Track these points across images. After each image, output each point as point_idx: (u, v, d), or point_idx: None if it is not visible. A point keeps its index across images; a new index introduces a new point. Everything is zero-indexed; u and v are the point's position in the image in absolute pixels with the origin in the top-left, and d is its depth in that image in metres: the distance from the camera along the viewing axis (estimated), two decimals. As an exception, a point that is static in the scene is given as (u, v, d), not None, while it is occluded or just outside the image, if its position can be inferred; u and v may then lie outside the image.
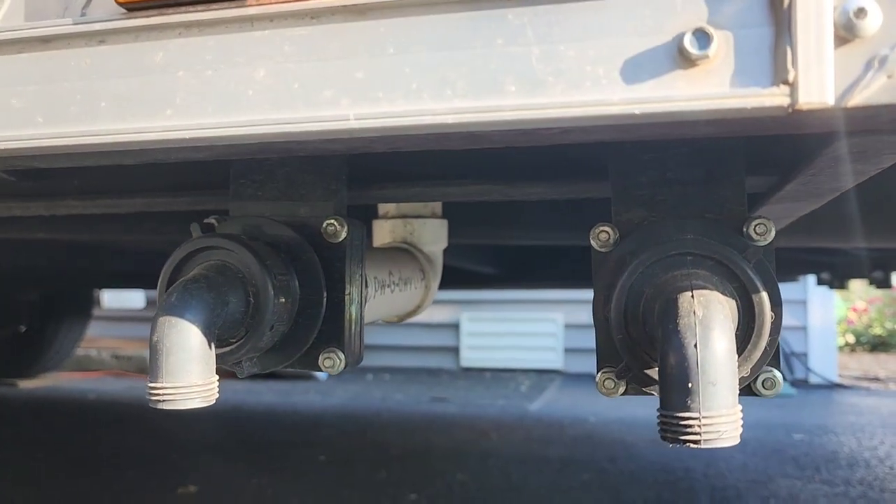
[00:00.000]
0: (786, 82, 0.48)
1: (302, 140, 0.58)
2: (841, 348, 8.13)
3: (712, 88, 0.50)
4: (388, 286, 1.08)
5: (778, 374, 0.74)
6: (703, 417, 0.57)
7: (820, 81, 0.48)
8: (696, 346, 0.58)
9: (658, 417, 0.60)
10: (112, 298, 5.95)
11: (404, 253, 1.24)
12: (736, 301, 0.68)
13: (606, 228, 0.78)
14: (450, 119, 0.53)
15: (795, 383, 5.74)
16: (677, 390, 0.58)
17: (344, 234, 0.86)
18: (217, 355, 0.75)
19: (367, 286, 0.99)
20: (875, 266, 3.15)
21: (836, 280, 3.42)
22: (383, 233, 1.34)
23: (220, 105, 0.59)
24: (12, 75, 0.64)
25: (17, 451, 3.17)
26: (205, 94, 0.59)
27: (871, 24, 0.47)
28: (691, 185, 0.77)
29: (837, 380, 5.95)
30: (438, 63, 0.54)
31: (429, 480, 2.71)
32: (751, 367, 0.69)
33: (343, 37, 0.57)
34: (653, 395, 0.72)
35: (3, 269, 3.01)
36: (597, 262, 0.78)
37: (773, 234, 0.74)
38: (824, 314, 6.12)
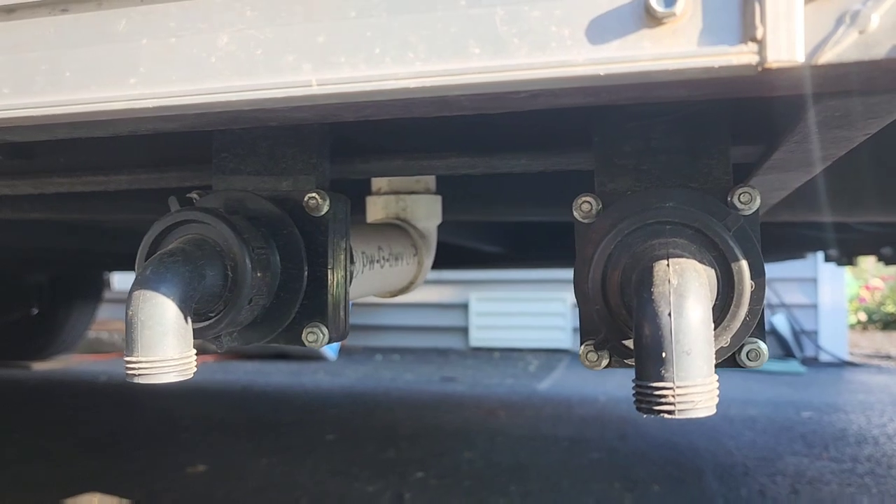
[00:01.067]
0: (754, 39, 0.47)
1: (268, 108, 0.57)
2: (853, 326, 8.08)
3: (679, 47, 0.48)
4: (378, 261, 1.08)
5: (762, 345, 0.73)
6: (678, 387, 0.56)
7: (789, 38, 0.46)
8: (669, 314, 0.57)
9: (633, 388, 0.59)
10: (122, 281, 5.98)
11: (395, 228, 1.23)
12: (715, 270, 0.66)
13: (589, 199, 0.77)
14: (413, 83, 0.52)
15: (805, 361, 5.72)
16: (651, 360, 0.57)
17: (326, 208, 0.85)
18: (195, 329, 0.74)
19: (353, 261, 0.98)
20: (883, 242, 3.11)
21: (845, 257, 3.38)
22: (376, 209, 1.33)
23: (184, 73, 0.58)
24: (-23, 46, 0.63)
25: (31, 432, 3.20)
26: (168, 61, 0.58)
27: (842, -23, 0.46)
28: (675, 154, 0.76)
29: (848, 358, 5.92)
30: (400, 26, 0.53)
31: (436, 459, 2.72)
32: (731, 336, 0.68)
33: (304, 1, 0.55)
34: (633, 366, 0.71)
35: (13, 252, 3.02)
36: (579, 234, 0.77)
37: (757, 202, 0.73)
38: (835, 292, 6.08)
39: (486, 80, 0.51)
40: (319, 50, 0.55)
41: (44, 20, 0.61)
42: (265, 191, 0.87)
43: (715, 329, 0.64)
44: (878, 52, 0.45)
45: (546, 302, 6.37)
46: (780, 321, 5.84)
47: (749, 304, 0.66)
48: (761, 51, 0.47)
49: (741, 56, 0.47)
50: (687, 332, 0.56)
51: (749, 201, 0.73)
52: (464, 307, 6.52)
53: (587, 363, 0.76)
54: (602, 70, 0.49)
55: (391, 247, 1.13)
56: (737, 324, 0.67)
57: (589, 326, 0.75)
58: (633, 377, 0.60)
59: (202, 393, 4.14)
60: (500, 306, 6.48)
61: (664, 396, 0.56)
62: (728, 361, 0.72)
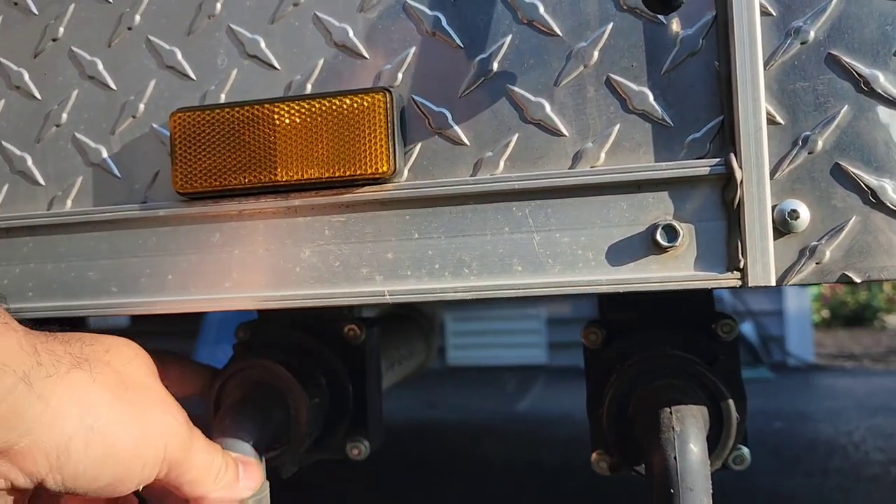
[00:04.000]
0: (738, 268, 0.61)
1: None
2: (817, 325, 8.37)
3: (679, 272, 0.62)
4: (398, 361, 1.20)
5: (745, 450, 0.87)
6: (684, 517, 0.70)
7: (764, 267, 0.60)
8: (675, 458, 0.71)
9: (648, 516, 0.73)
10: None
11: (407, 322, 1.36)
12: (707, 405, 0.80)
13: (594, 330, 0.90)
14: (468, 295, 0.65)
15: (774, 367, 5.93)
16: (662, 495, 0.71)
17: (363, 337, 0.98)
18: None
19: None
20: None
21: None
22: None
23: (271, 280, 0.70)
24: (86, 251, 0.75)
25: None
26: (258, 269, 0.70)
27: (802, 221, 0.60)
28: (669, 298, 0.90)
29: (814, 360, 6.14)
30: (456, 247, 0.66)
31: (424, 494, 2.80)
32: (722, 461, 0.82)
33: (374, 223, 0.68)
34: (642, 476, 0.84)
35: None
36: (588, 359, 0.90)
37: (736, 331, 0.87)
38: (799, 297, 6.31)
39: (527, 294, 0.64)
40: (389, 264, 0.67)
41: (146, 231, 0.73)
42: (309, 323, 0.99)
43: (709, 455, 0.78)
44: (831, 278, 0.60)
45: (521, 319, 6.51)
46: (747, 329, 6.05)
47: (735, 434, 0.81)
48: (743, 277, 0.61)
49: (728, 281, 0.61)
50: (690, 473, 0.70)
51: (729, 331, 0.87)
52: (440, 327, 6.63)
53: (598, 470, 0.90)
54: (622, 288, 0.62)
55: (407, 344, 1.26)
56: (727, 451, 0.81)
57: (599, 439, 0.89)
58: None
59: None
60: (476, 325, 6.60)
61: (674, 525, 0.70)
62: (718, 470, 0.86)
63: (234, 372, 0.90)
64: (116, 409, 0.59)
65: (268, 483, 0.84)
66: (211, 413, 0.89)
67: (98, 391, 0.58)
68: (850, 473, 3.00)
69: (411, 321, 1.38)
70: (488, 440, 3.71)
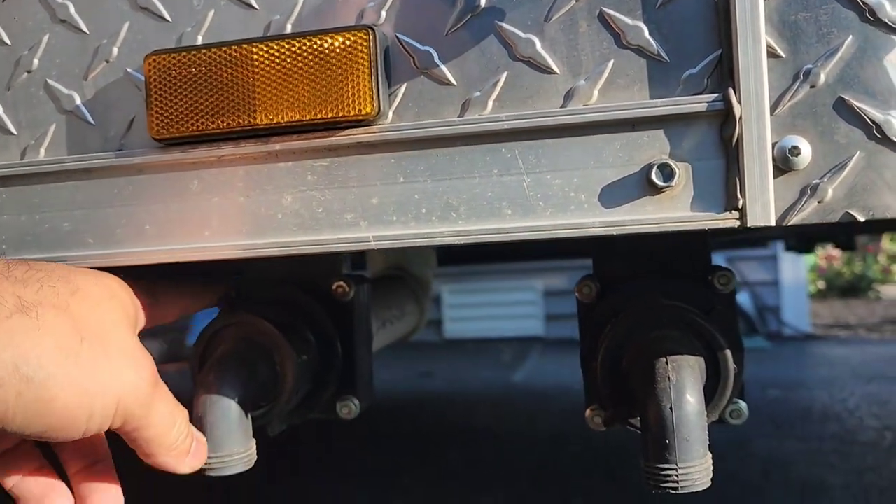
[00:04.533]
0: (736, 208, 0.58)
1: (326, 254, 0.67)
2: (813, 296, 8.39)
3: (676, 213, 0.59)
4: (389, 321, 1.18)
5: (743, 403, 0.85)
6: (680, 468, 0.68)
7: (764, 206, 0.58)
8: (671, 408, 0.69)
9: (642, 468, 0.71)
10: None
11: (398, 282, 1.34)
12: (704, 356, 0.78)
13: (588, 283, 0.88)
14: (456, 240, 0.63)
15: (769, 336, 5.95)
16: (657, 446, 0.69)
17: (352, 294, 0.95)
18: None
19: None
20: (839, 230, 3.29)
21: (804, 245, 3.57)
22: (375, 260, 1.43)
23: (252, 228, 0.67)
24: (60, 202, 0.72)
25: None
26: (238, 217, 0.68)
27: (804, 158, 0.57)
28: (664, 249, 0.87)
29: (810, 330, 6.17)
30: (443, 191, 0.64)
31: (421, 462, 2.82)
32: (719, 413, 0.80)
33: (358, 167, 0.66)
34: (637, 431, 0.83)
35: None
36: (582, 313, 0.88)
37: (733, 283, 0.85)
38: (795, 268, 6.32)
39: (517, 238, 0.61)
40: (374, 210, 0.65)
41: (122, 179, 0.70)
42: (295, 278, 0.96)
43: (706, 407, 0.76)
44: (834, 216, 0.57)
45: (517, 291, 6.51)
46: (743, 299, 6.06)
47: (733, 386, 0.79)
48: (742, 217, 0.58)
49: (726, 221, 0.58)
50: (686, 423, 0.68)
51: (727, 283, 0.85)
52: (436, 299, 6.63)
53: (593, 425, 0.88)
54: (615, 231, 0.60)
55: (399, 304, 1.24)
56: (724, 402, 0.79)
57: (594, 394, 0.87)
58: (641, 458, 0.72)
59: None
60: (473, 297, 6.60)
61: (669, 476, 0.68)
62: (714, 423, 0.85)
63: (220, 327, 0.87)
64: (60, 361, 0.56)
65: (254, 441, 0.82)
66: (196, 369, 0.86)
67: (40, 340, 0.55)
68: (845, 439, 3.01)
69: (402, 282, 1.36)
70: (485, 410, 3.72)
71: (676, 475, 0.68)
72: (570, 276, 6.16)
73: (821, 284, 8.92)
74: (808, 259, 8.15)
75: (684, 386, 0.70)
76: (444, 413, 3.73)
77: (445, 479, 2.57)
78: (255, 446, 0.81)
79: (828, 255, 9.04)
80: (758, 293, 6.21)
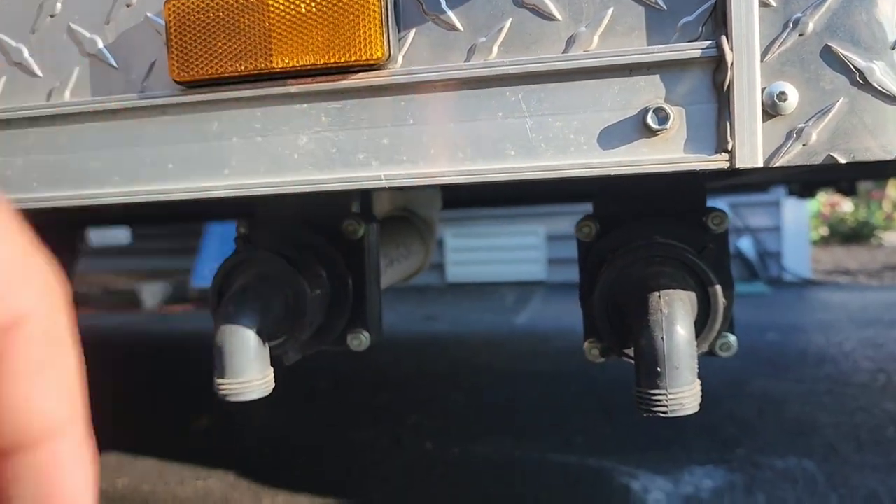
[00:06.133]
0: (726, 150, 0.62)
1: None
2: (815, 242, 8.43)
3: (670, 154, 0.63)
4: (396, 260, 1.23)
5: (732, 337, 0.90)
6: (670, 394, 0.73)
7: (752, 149, 0.61)
8: (662, 338, 0.73)
9: (634, 393, 0.76)
10: (98, 236, 6.03)
11: (404, 223, 1.38)
12: (695, 292, 0.83)
13: (589, 223, 0.92)
14: (462, 179, 0.67)
15: (770, 281, 6.01)
16: (649, 373, 0.74)
17: (361, 232, 1.00)
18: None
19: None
20: (841, 175, 3.31)
21: (806, 190, 3.60)
22: (382, 201, 1.47)
23: (269, 166, 0.71)
24: (88, 142, 0.76)
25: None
26: (256, 157, 0.72)
27: (790, 104, 0.61)
28: (661, 189, 0.91)
29: (810, 276, 6.22)
30: (450, 132, 0.67)
31: (428, 402, 2.90)
32: (708, 344, 0.85)
33: (370, 109, 0.69)
34: (632, 361, 0.88)
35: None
36: (581, 252, 0.93)
37: (727, 223, 0.89)
38: (798, 214, 6.34)
39: (520, 178, 0.65)
40: (385, 150, 0.69)
41: (146, 120, 0.74)
42: (306, 217, 1.01)
43: (696, 339, 0.81)
44: (817, 159, 0.61)
45: (520, 235, 6.55)
46: (745, 244, 6.10)
47: (723, 318, 0.83)
48: (731, 158, 0.62)
49: (717, 162, 0.62)
50: (676, 352, 0.73)
51: (720, 223, 0.89)
52: (439, 243, 6.68)
53: (590, 357, 0.93)
54: (612, 171, 0.64)
55: (405, 243, 1.28)
56: (713, 334, 0.84)
57: (592, 328, 0.92)
58: (634, 383, 0.77)
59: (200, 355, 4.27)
60: (475, 241, 6.64)
61: (659, 401, 0.74)
62: (705, 354, 0.90)
63: (235, 263, 0.92)
64: None
65: (271, 369, 0.87)
66: (214, 302, 0.91)
67: None
68: (838, 380, 3.08)
69: (409, 222, 1.40)
70: (487, 351, 3.80)
71: (666, 400, 0.74)
72: (572, 220, 6.09)
73: (823, 231, 8.94)
74: (812, 205, 8.16)
75: (675, 318, 0.74)
76: (447, 355, 3.80)
77: (450, 418, 2.65)
78: (272, 374, 0.87)
79: (831, 201, 9.04)
80: (759, 238, 6.24)
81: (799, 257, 6.30)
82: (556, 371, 3.27)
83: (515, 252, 6.57)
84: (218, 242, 5.79)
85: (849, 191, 3.51)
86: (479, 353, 3.79)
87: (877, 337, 3.86)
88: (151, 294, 5.82)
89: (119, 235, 6.11)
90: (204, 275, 5.71)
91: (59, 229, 4.60)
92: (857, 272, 6.65)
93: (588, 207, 0.97)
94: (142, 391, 3.25)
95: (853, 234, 8.86)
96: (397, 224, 1.37)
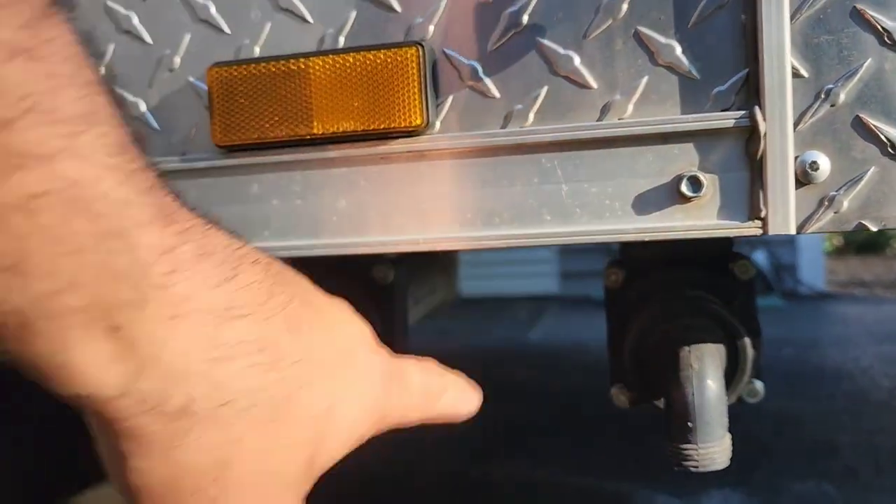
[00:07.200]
0: (759, 217, 0.63)
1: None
2: (829, 253, 8.40)
3: (703, 221, 0.65)
4: (421, 298, 1.25)
5: (759, 384, 0.91)
6: (701, 448, 0.75)
7: (784, 216, 0.63)
8: (693, 394, 0.75)
9: (666, 447, 0.78)
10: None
11: (429, 259, 1.40)
12: (724, 343, 0.84)
13: (616, 270, 0.94)
14: (499, 244, 0.68)
15: (785, 294, 5.99)
16: (680, 428, 0.75)
17: (392, 277, 1.01)
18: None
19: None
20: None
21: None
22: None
23: (308, 229, 0.73)
24: (131, 201, 0.78)
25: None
26: (296, 218, 0.74)
27: (822, 172, 0.62)
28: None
29: (825, 288, 6.19)
30: (487, 197, 0.69)
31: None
32: (736, 395, 0.87)
33: (408, 174, 0.71)
34: (660, 410, 0.89)
35: None
36: (608, 298, 0.94)
37: (752, 272, 0.90)
38: (811, 226, 6.30)
39: (556, 242, 0.67)
40: (423, 215, 0.70)
41: (186, 182, 0.76)
42: (338, 263, 1.02)
43: (726, 390, 0.82)
44: (848, 226, 0.62)
45: (533, 249, 6.53)
46: (759, 257, 6.08)
47: (751, 370, 0.85)
48: (764, 225, 0.63)
49: (749, 229, 0.64)
50: (707, 407, 0.75)
51: (745, 271, 0.90)
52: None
53: (618, 404, 0.94)
54: (647, 237, 0.65)
55: (430, 280, 1.30)
56: (742, 385, 0.85)
57: (619, 373, 0.93)
58: (665, 437, 0.78)
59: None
60: (489, 255, 6.64)
61: (690, 456, 0.75)
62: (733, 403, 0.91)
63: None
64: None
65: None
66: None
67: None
68: (857, 398, 3.06)
69: (434, 258, 1.42)
70: (501, 368, 3.79)
71: (697, 454, 0.75)
72: (586, 234, 6.19)
73: (837, 241, 8.91)
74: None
75: (706, 373, 0.76)
76: (460, 370, 3.78)
77: (465, 439, 2.64)
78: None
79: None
80: (774, 251, 6.22)
81: (814, 269, 6.28)
82: (572, 389, 3.26)
83: (527, 266, 6.57)
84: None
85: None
86: (493, 369, 3.78)
87: (894, 352, 3.84)
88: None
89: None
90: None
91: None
92: (872, 284, 6.62)
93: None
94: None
95: (868, 245, 8.82)
96: (423, 261, 1.39)
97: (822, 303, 5.73)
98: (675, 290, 0.87)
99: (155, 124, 0.78)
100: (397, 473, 2.32)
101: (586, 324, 4.68)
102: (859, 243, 8.88)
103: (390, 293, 1.02)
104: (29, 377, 0.35)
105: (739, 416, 2.50)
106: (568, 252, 6.37)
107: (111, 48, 0.79)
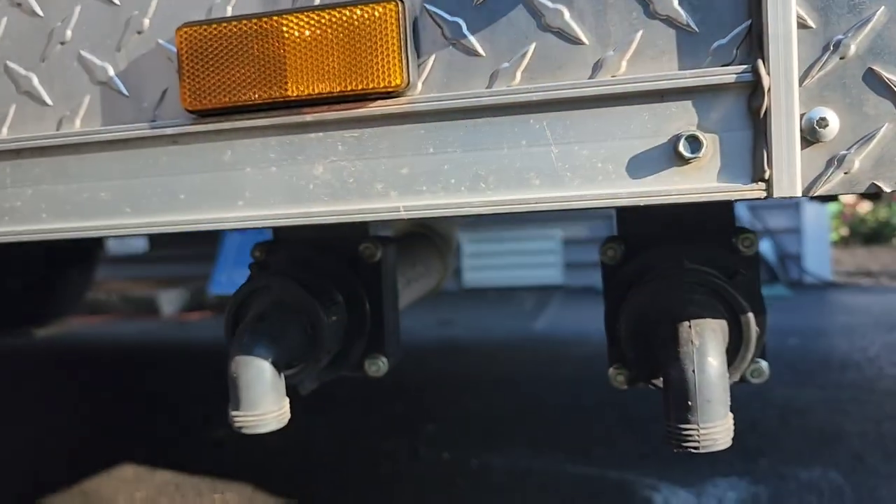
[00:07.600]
0: (763, 179, 0.59)
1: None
2: (835, 243, 8.33)
3: (703, 183, 0.60)
4: (414, 279, 1.20)
5: (764, 363, 0.87)
6: (702, 428, 0.70)
7: (790, 178, 0.58)
8: (693, 371, 0.70)
9: (665, 427, 0.73)
10: (116, 244, 6.05)
11: (423, 240, 1.35)
12: (727, 319, 0.80)
13: (613, 245, 0.89)
14: (484, 210, 0.64)
15: (791, 284, 5.93)
16: (679, 407, 0.71)
17: (379, 255, 0.97)
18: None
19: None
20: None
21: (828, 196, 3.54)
22: (401, 221, 1.45)
23: (284, 197, 0.69)
24: (98, 172, 0.74)
25: (40, 399, 3.30)
26: (270, 187, 0.69)
27: (831, 130, 0.58)
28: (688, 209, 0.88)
29: (831, 278, 6.14)
30: (472, 161, 0.65)
31: (444, 410, 2.86)
32: (740, 374, 0.82)
33: (388, 138, 0.67)
34: (659, 388, 0.85)
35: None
36: (606, 275, 0.90)
37: (757, 245, 0.86)
38: (818, 215, 6.26)
39: (545, 208, 0.63)
40: (404, 180, 0.66)
41: (157, 150, 0.72)
42: (324, 241, 0.98)
43: (728, 368, 0.78)
44: (860, 187, 0.58)
45: (537, 240, 6.51)
46: (765, 247, 6.03)
47: (755, 346, 0.80)
48: (768, 188, 0.59)
49: (753, 191, 0.59)
50: (708, 385, 0.70)
51: (750, 245, 0.86)
52: (456, 249, 6.63)
53: (616, 383, 0.90)
54: (642, 202, 0.61)
55: (423, 262, 1.26)
56: (745, 364, 0.81)
57: (617, 354, 0.89)
58: (664, 417, 0.74)
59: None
60: (492, 246, 6.61)
61: (691, 436, 0.71)
62: (736, 382, 0.86)
63: (251, 291, 0.90)
64: None
65: (287, 399, 0.85)
66: (229, 331, 0.89)
67: None
68: (863, 386, 3.02)
69: (427, 239, 1.37)
70: (505, 358, 3.76)
71: (698, 435, 0.71)
72: (589, 225, 6.17)
73: (844, 231, 8.84)
74: (832, 206, 8.07)
75: (707, 349, 0.71)
76: (464, 361, 3.77)
77: (467, 428, 2.61)
78: (288, 405, 0.84)
79: (851, 201, 8.94)
80: (779, 241, 6.17)
81: (820, 259, 6.22)
82: (575, 378, 3.22)
83: (532, 256, 6.53)
84: (235, 249, 5.80)
85: (873, 195, 3.45)
86: (497, 359, 3.75)
87: (901, 341, 3.79)
88: (169, 301, 5.83)
89: (136, 244, 6.14)
90: (221, 282, 5.71)
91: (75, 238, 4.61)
92: (878, 274, 6.55)
93: (606, 211, 0.94)
94: (159, 401, 3.24)
95: (874, 235, 8.75)
96: (415, 242, 1.34)
97: (827, 293, 5.68)
98: (675, 264, 0.83)
99: (123, 90, 0.74)
100: (399, 459, 2.29)
101: (590, 314, 4.65)
102: (866, 234, 8.80)
103: (378, 271, 0.98)
104: None
105: (745, 405, 2.45)
106: (572, 243, 6.33)
107: (78, 10, 0.75)
